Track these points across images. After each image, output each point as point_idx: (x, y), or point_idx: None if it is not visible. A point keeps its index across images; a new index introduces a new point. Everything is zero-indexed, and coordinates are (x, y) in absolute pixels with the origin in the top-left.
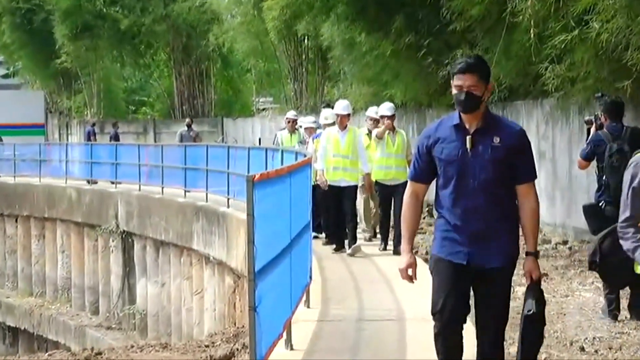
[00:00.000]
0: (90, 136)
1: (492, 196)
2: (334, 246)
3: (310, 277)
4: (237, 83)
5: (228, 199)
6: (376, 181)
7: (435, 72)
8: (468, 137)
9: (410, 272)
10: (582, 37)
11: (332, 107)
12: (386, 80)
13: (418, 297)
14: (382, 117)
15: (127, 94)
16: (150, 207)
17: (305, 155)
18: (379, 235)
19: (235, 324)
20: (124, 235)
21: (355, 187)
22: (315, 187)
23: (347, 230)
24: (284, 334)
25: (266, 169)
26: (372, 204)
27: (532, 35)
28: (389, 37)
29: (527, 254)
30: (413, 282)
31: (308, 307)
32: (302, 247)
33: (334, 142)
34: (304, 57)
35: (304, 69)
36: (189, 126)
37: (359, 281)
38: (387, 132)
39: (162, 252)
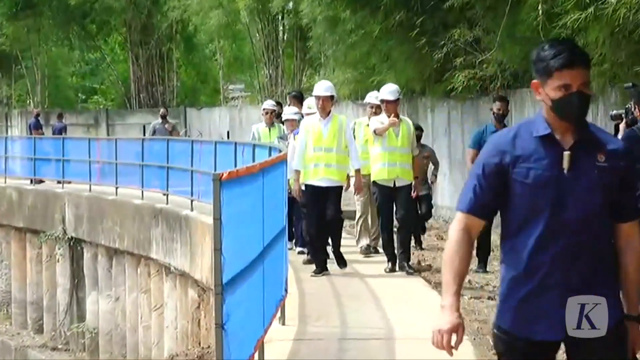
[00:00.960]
0: (32, 129)
1: (594, 237)
2: (314, 268)
3: (286, 290)
4: (203, 68)
5: (192, 201)
6: (374, 182)
7: (430, 54)
8: (566, 154)
9: (454, 338)
10: (597, 14)
11: (303, 98)
12: (374, 64)
13: (409, 315)
14: (385, 102)
15: (77, 80)
16: (102, 210)
17: (280, 150)
18: (380, 250)
19: (199, 344)
20: (72, 243)
21: (341, 188)
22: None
23: (330, 246)
24: (256, 355)
25: (235, 166)
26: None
27: (540, 13)
28: (378, 14)
29: (627, 317)
30: (452, 354)
31: (283, 324)
32: (276, 256)
33: (315, 133)
34: (280, 38)
35: (279, 52)
36: (163, 117)
37: (341, 295)
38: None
39: (115, 262)
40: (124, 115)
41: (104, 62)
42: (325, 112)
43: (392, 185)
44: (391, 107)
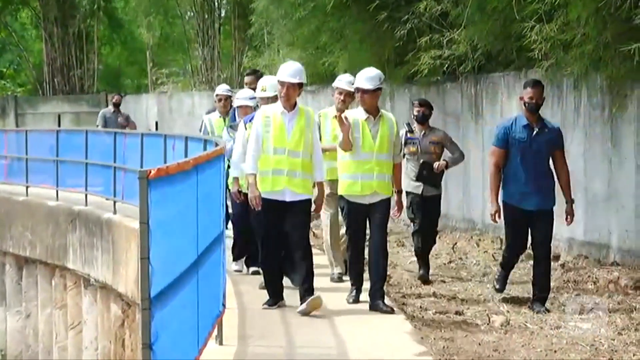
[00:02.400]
0: None
1: None
2: (268, 299)
3: (224, 305)
4: (129, 49)
5: (114, 202)
6: (341, 197)
7: (391, 32)
8: None
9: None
10: None
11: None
12: (325, 44)
13: (364, 333)
14: (361, 91)
15: None
16: (10, 212)
17: (216, 144)
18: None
19: None
20: None
21: (309, 202)
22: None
23: (293, 273)
24: None
25: (165, 162)
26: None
27: None
28: None
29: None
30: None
31: (220, 343)
32: (212, 265)
33: (276, 128)
34: (216, 14)
35: (215, 30)
36: (116, 105)
37: (287, 311)
38: (365, 118)
39: (26, 273)
40: (35, 103)
41: (13, 42)
42: (290, 104)
43: (365, 202)
44: (369, 98)
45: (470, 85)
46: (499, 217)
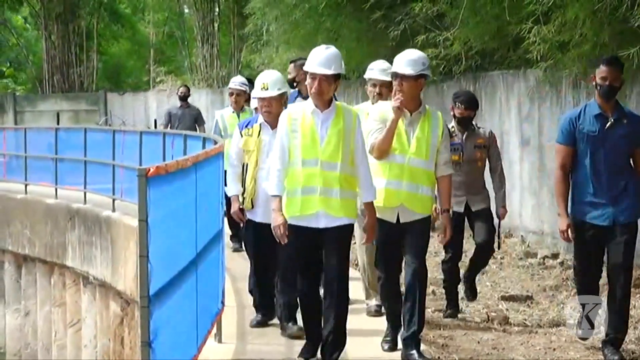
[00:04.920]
0: None
1: None
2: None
3: (223, 303)
4: (129, 47)
5: (114, 200)
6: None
7: (386, 32)
8: None
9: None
10: None
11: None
12: (321, 43)
13: (361, 326)
14: (399, 78)
15: None
16: (9, 210)
17: (215, 142)
18: None
19: None
20: None
21: (351, 229)
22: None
23: (326, 323)
24: None
25: (164, 160)
26: None
27: None
28: None
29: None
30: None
31: (219, 341)
32: (211, 263)
33: (305, 133)
34: (216, 11)
35: (215, 28)
36: (184, 99)
37: None
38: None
39: (25, 271)
40: (34, 101)
41: (13, 40)
42: (323, 101)
43: (394, 221)
44: (409, 87)
45: (469, 84)
46: (572, 232)
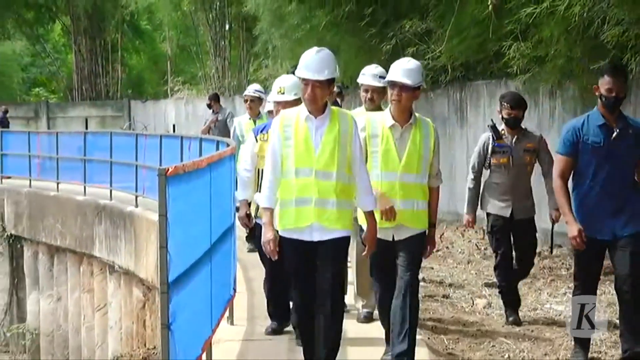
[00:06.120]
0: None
1: None
2: None
3: (234, 289)
4: (149, 59)
5: (136, 197)
6: (362, 228)
7: (379, 45)
8: None
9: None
10: (551, 10)
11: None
12: None
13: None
14: (396, 87)
15: (20, 71)
16: (43, 206)
17: (227, 145)
18: None
19: (145, 345)
20: (11, 240)
21: (346, 241)
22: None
23: (319, 344)
24: (204, 356)
25: (182, 160)
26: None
27: (489, 6)
28: (325, 5)
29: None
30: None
31: (232, 324)
32: (224, 253)
33: (299, 141)
34: (226, 27)
35: (226, 43)
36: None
37: None
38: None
39: (57, 260)
40: (65, 108)
41: (46, 52)
42: (317, 107)
43: (389, 239)
44: (407, 98)
45: (456, 91)
46: (585, 237)
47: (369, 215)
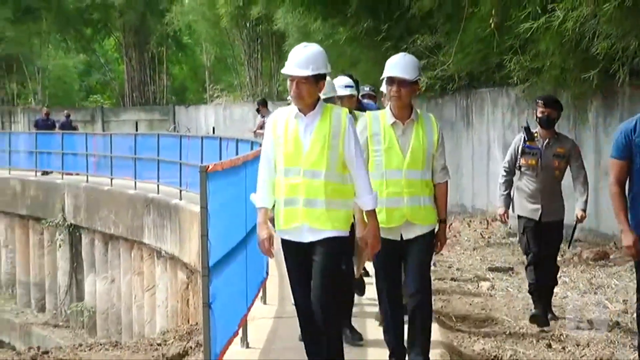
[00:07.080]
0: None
1: None
2: None
3: (267, 272)
4: (191, 69)
5: (180, 191)
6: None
7: None
8: None
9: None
10: (547, 25)
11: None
12: (343, 69)
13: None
14: (395, 82)
15: (77, 79)
16: (98, 199)
17: (261, 145)
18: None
19: (188, 322)
20: (71, 229)
21: (341, 242)
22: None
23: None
24: (240, 332)
25: (220, 159)
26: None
27: (491, 24)
28: (347, 22)
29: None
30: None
31: (264, 303)
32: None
33: (287, 140)
34: (258, 41)
35: (258, 55)
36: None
37: None
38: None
39: (111, 247)
40: (118, 113)
41: (100, 64)
42: (305, 103)
43: (397, 238)
44: (406, 93)
45: (462, 98)
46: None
47: (370, 214)
